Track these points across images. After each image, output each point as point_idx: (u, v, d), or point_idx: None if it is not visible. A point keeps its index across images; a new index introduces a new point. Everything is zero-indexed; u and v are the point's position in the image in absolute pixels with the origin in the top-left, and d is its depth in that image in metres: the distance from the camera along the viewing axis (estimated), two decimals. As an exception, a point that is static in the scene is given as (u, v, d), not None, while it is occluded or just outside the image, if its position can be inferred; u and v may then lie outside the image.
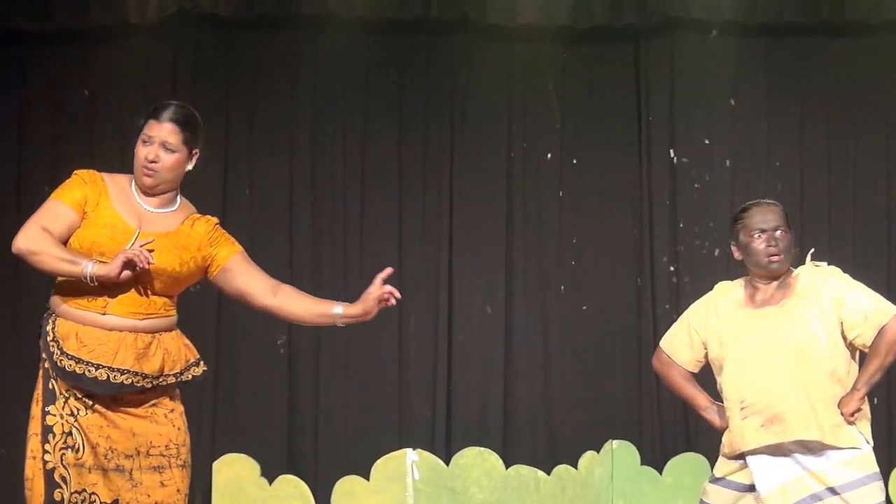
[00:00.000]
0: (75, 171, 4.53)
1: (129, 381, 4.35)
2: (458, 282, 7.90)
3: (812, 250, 5.12)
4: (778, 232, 5.01)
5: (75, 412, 4.37)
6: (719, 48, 7.93)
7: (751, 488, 4.98)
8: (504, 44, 7.93)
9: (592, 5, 7.76)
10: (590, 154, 7.95)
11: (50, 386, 4.40)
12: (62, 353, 4.35)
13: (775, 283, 5.03)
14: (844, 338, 4.96)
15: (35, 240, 4.33)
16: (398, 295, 4.45)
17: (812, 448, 4.89)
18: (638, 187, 7.93)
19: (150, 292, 4.41)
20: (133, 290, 4.38)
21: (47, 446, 4.34)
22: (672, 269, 7.88)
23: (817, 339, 4.91)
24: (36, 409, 4.40)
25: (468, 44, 7.95)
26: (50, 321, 4.42)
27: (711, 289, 7.59)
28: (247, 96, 7.93)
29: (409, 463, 7.58)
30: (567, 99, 7.95)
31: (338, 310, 4.53)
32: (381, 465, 7.58)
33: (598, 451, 7.60)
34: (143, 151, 4.47)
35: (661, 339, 7.33)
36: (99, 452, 4.37)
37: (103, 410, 4.39)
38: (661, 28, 7.87)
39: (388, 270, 4.48)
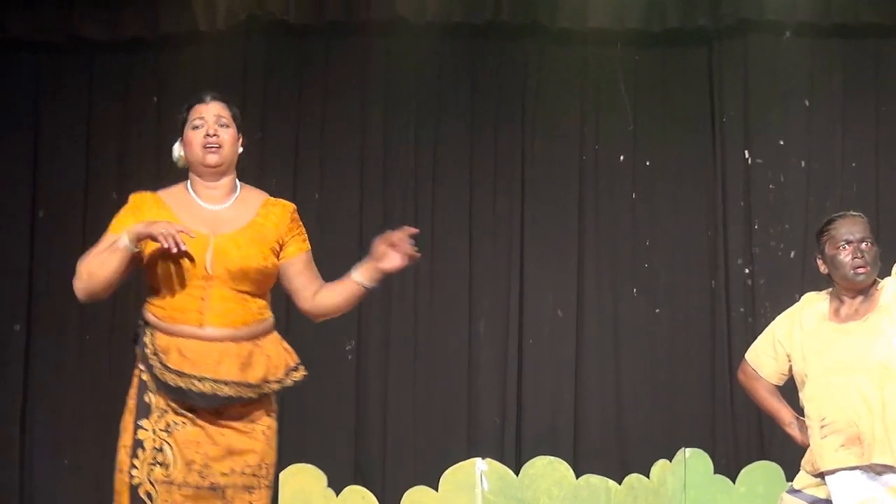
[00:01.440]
0: (130, 196, 4.48)
1: (236, 392, 4.29)
2: (529, 286, 7.85)
3: None
4: (864, 244, 4.96)
5: (171, 427, 4.30)
6: (793, 49, 7.85)
7: (827, 502, 4.93)
8: (575, 47, 7.90)
9: (664, 8, 7.72)
10: (663, 156, 7.88)
11: (145, 399, 4.33)
12: (164, 367, 4.28)
13: (860, 297, 4.98)
14: None
15: (80, 272, 4.29)
16: (409, 249, 4.44)
17: (889, 468, 4.83)
18: (712, 189, 7.85)
19: (243, 295, 4.34)
20: (226, 297, 4.31)
21: (135, 461, 4.28)
22: (747, 271, 7.79)
23: None
24: (127, 421, 4.35)
25: (539, 48, 7.92)
26: (147, 332, 4.35)
27: (787, 291, 7.69)
28: (318, 103, 7.93)
29: (478, 472, 7.48)
30: (639, 101, 7.90)
31: (356, 276, 4.48)
32: (450, 475, 7.49)
33: (670, 460, 7.49)
34: (199, 133, 4.41)
35: (735, 343, 7.62)
36: (194, 469, 4.29)
37: (203, 425, 4.31)
38: (734, 30, 7.80)
39: (409, 230, 4.48)
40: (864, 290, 4.96)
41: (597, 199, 7.88)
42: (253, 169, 7.78)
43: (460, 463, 7.52)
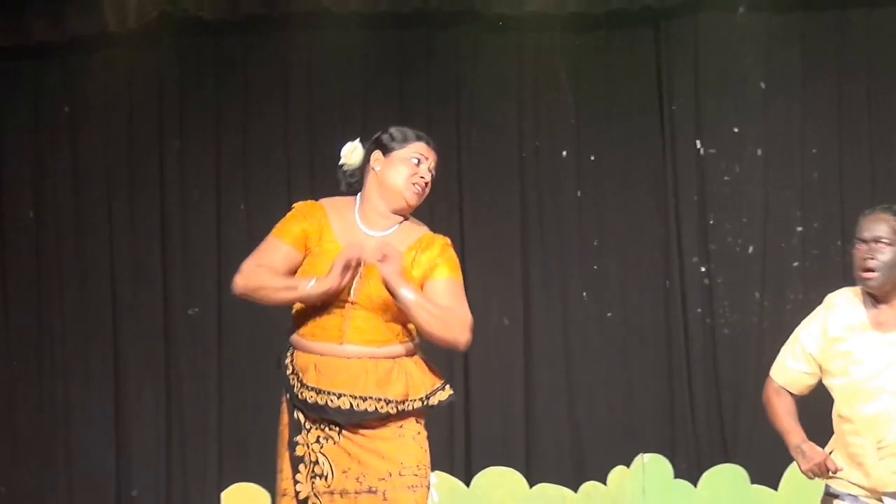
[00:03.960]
0: (294, 204, 4.58)
1: (374, 407, 4.36)
2: (470, 292, 7.30)
3: None
4: (878, 244, 4.69)
5: (321, 441, 4.40)
6: (748, 27, 7.51)
7: None
8: (512, 34, 7.59)
9: (607, -12, 7.42)
10: (609, 149, 7.60)
11: (295, 416, 4.44)
12: (302, 385, 4.39)
13: (893, 303, 4.74)
14: None
15: (252, 277, 4.40)
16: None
17: None
18: (663, 183, 7.58)
19: (384, 319, 4.40)
20: (368, 318, 4.38)
21: (298, 476, 4.39)
22: (703, 269, 7.54)
23: None
24: (282, 446, 4.46)
25: (473, 36, 7.63)
26: (289, 354, 4.48)
27: (746, 290, 7.49)
28: (238, 102, 7.65)
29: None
30: (582, 91, 7.60)
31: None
32: (399, 489, 7.36)
33: (628, 466, 7.44)
34: (414, 170, 4.48)
35: (693, 345, 7.43)
36: (350, 475, 4.38)
37: (350, 436, 4.39)
38: (683, 8, 7.51)
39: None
40: (884, 296, 4.71)
41: (540, 198, 7.59)
42: (174, 179, 7.57)
43: (409, 477, 7.34)
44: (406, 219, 4.53)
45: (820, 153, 7.52)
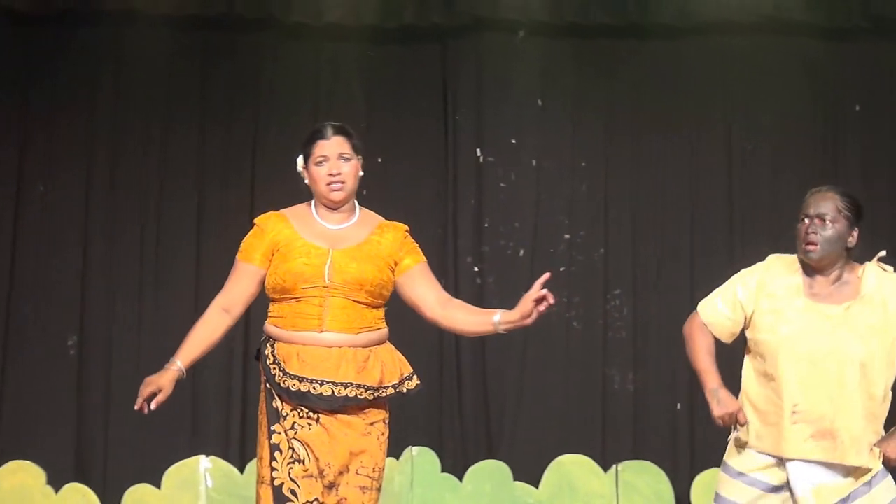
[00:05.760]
0: (255, 220, 4.81)
1: (353, 393, 4.54)
2: (259, 285, 7.70)
3: (882, 252, 4.88)
4: (820, 220, 4.76)
5: (297, 427, 4.54)
6: (527, 49, 7.91)
7: (776, 489, 4.79)
8: (310, 42, 7.85)
9: (399, 4, 7.71)
10: (395, 154, 7.87)
11: (273, 405, 4.58)
12: (285, 373, 4.54)
13: (833, 276, 4.80)
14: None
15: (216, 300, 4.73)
16: (551, 300, 4.57)
17: (858, 469, 4.77)
18: (444, 187, 7.87)
19: (360, 305, 4.60)
20: (344, 306, 4.58)
21: (275, 464, 4.51)
22: (476, 269, 7.83)
23: (878, 354, 4.74)
24: (261, 434, 4.59)
25: (273, 42, 7.86)
26: (268, 345, 4.63)
27: (515, 290, 7.52)
28: (46, 96, 7.76)
29: (202, 470, 7.48)
30: (373, 99, 7.89)
31: (496, 317, 4.64)
32: (173, 473, 7.48)
33: (397, 459, 7.51)
34: (322, 170, 4.69)
35: (462, 342, 7.55)
36: (320, 465, 4.54)
37: (326, 425, 4.56)
38: (468, 28, 7.83)
39: (547, 275, 4.59)
40: (837, 271, 4.79)
41: None
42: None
43: (184, 460, 7.50)
44: (357, 210, 4.79)
45: (588, 167, 7.89)
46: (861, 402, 4.71)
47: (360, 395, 4.56)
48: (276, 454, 4.53)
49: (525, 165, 7.88)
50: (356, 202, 4.81)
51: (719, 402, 4.76)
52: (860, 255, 4.86)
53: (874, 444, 4.74)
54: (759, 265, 4.90)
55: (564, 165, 7.89)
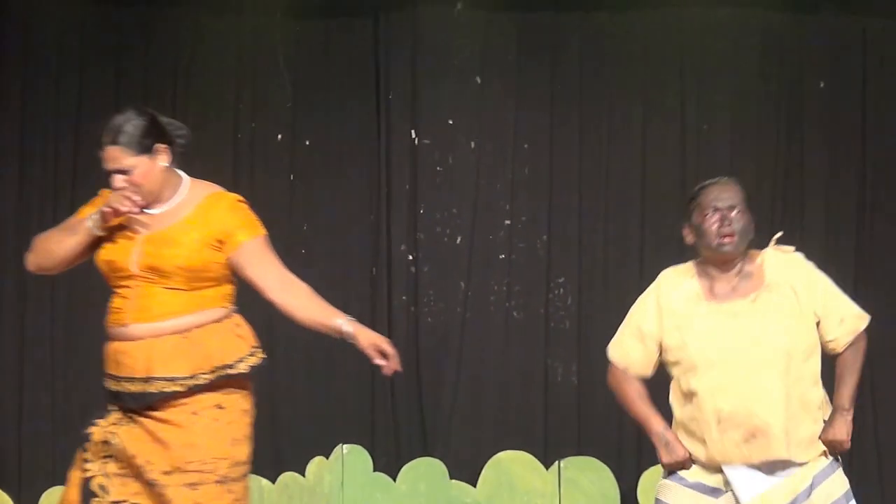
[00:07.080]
0: (102, 190, 4.55)
1: (160, 388, 4.34)
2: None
3: (779, 234, 4.79)
4: (733, 211, 4.67)
5: (118, 423, 4.39)
6: (465, 23, 7.63)
7: (714, 492, 4.68)
8: (231, 16, 7.60)
9: (328, -26, 7.49)
10: (324, 135, 7.62)
11: (109, 406, 4.48)
12: (105, 374, 4.44)
13: (734, 271, 4.71)
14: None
15: (36, 242, 4.50)
16: (389, 373, 4.61)
17: (789, 462, 4.66)
18: (376, 171, 7.63)
19: (173, 291, 4.37)
20: (150, 294, 4.37)
21: (87, 455, 4.39)
22: (410, 257, 7.61)
23: (799, 337, 4.64)
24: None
25: (192, 16, 7.61)
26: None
27: (452, 279, 7.58)
28: None
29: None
30: (300, 76, 7.62)
31: (344, 326, 4.55)
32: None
33: (327, 457, 7.40)
34: (117, 184, 4.41)
35: (397, 333, 7.39)
36: (137, 463, 4.34)
37: (142, 422, 4.37)
38: (402, 0, 7.58)
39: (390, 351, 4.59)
40: (738, 264, 4.71)
41: (252, 180, 7.52)
42: None
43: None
44: (182, 188, 4.52)
45: (531, 149, 7.64)
46: (788, 392, 4.61)
47: (168, 388, 4.33)
48: (86, 444, 4.40)
49: (463, 148, 7.63)
50: (183, 178, 4.54)
51: (668, 449, 4.74)
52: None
53: (819, 437, 4.67)
54: (651, 286, 4.84)
55: (506, 147, 7.64)
